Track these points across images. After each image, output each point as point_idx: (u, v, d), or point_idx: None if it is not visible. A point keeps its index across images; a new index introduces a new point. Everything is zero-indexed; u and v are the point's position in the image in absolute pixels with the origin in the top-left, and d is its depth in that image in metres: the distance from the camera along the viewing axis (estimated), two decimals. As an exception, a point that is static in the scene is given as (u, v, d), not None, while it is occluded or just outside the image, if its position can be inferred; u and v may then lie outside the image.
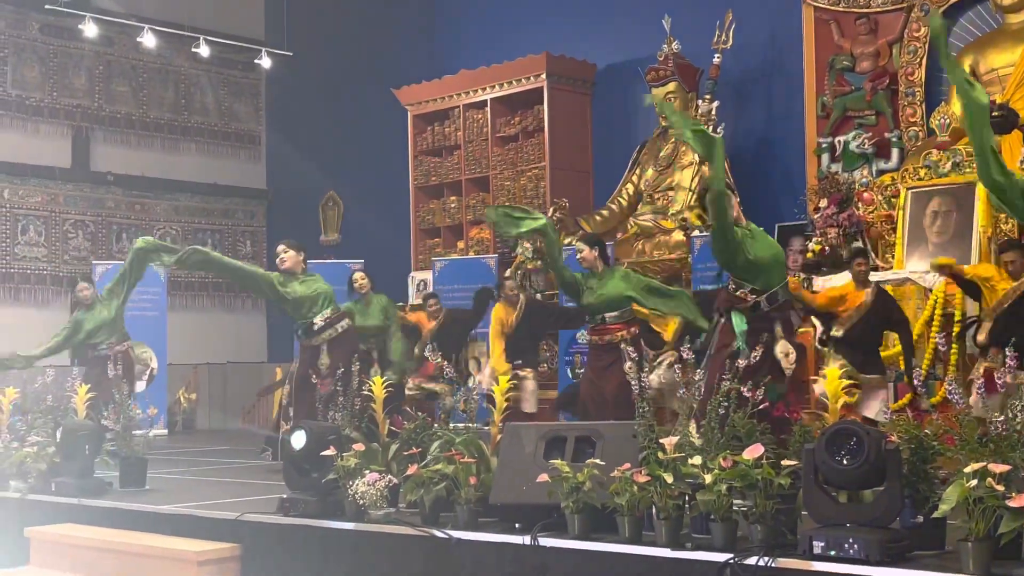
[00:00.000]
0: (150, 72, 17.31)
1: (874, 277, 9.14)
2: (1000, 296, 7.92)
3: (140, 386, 10.70)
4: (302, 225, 16.83)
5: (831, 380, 4.98)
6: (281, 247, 8.80)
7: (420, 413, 6.35)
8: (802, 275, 9.70)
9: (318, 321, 8.64)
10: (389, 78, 15.43)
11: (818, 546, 4.29)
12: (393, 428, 6.25)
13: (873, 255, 10.06)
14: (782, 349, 6.15)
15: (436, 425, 6.00)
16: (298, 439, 6.11)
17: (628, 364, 7.42)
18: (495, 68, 14.17)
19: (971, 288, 8.17)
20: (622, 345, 7.39)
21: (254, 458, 9.88)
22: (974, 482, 4.05)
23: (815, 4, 11.46)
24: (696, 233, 11.18)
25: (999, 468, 4.05)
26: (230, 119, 18.14)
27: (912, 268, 9.40)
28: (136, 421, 8.04)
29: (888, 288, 8.96)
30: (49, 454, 7.67)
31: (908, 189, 9.91)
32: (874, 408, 7.71)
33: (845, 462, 4.35)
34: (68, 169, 16.42)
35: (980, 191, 9.45)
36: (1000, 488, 3.99)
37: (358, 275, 9.93)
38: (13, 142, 15.86)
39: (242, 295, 17.96)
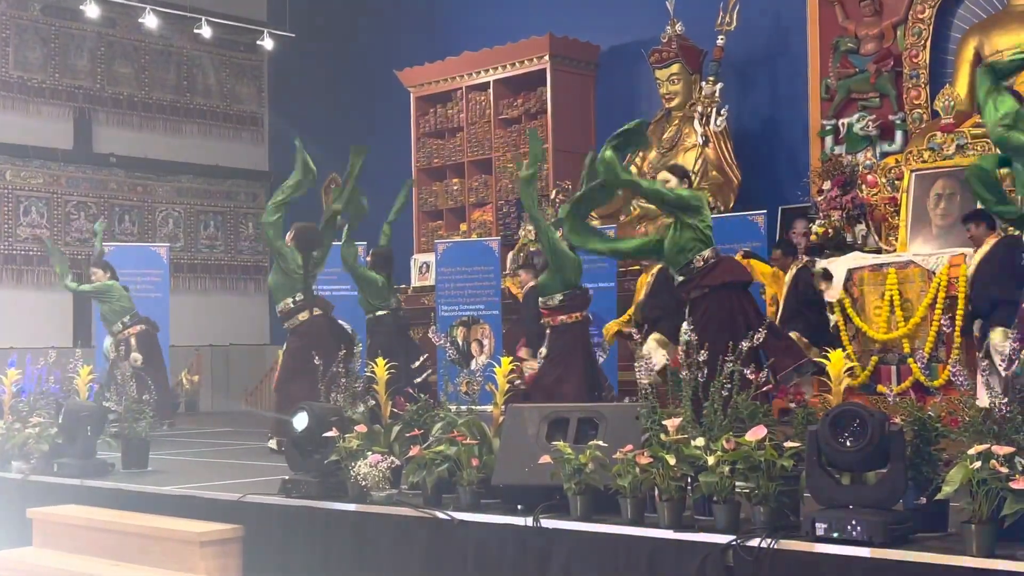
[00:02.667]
0: (152, 53, 17.27)
1: (876, 260, 9.14)
2: None
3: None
4: (304, 207, 16.70)
5: (835, 362, 4.97)
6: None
7: (423, 395, 6.35)
8: (806, 258, 9.67)
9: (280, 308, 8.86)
10: (391, 60, 15.39)
11: (821, 528, 4.29)
12: (395, 410, 6.25)
13: (876, 237, 10.05)
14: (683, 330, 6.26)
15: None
16: (300, 420, 6.11)
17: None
18: (498, 50, 14.12)
19: None
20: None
21: (257, 440, 9.89)
22: (978, 464, 4.04)
23: (819, -15, 11.43)
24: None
25: (1003, 450, 4.04)
26: (232, 101, 18.11)
27: (916, 251, 9.37)
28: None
29: (891, 270, 8.95)
30: (51, 435, 7.68)
31: (912, 171, 9.88)
32: None
33: (848, 444, 4.34)
34: (70, 151, 16.40)
35: (984, 173, 9.42)
36: (1004, 470, 3.98)
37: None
38: (15, 123, 15.84)
39: (244, 277, 17.96)
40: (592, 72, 14.11)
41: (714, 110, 12.07)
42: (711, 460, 4.62)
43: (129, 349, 10.84)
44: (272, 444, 8.76)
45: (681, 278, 7.00)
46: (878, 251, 9.73)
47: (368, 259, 10.45)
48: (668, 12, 12.65)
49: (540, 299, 8.08)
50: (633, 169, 12.96)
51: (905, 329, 8.68)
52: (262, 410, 12.62)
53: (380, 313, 9.99)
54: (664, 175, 7.52)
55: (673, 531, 4.67)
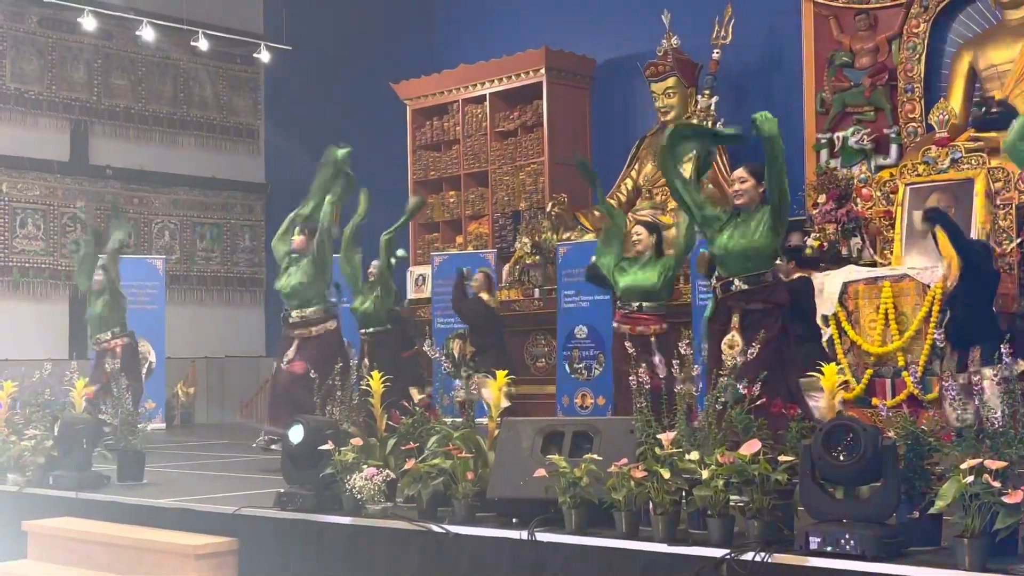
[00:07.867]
0: (149, 66, 17.28)
1: (871, 273, 9.13)
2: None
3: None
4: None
5: (828, 375, 4.98)
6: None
7: (418, 408, 6.35)
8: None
9: (294, 316, 8.78)
10: (388, 72, 15.43)
11: (814, 541, 4.30)
12: (391, 423, 6.26)
13: (871, 250, 10.07)
14: (727, 341, 6.09)
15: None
16: (295, 433, 6.12)
17: (658, 357, 7.21)
18: (494, 63, 14.16)
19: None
20: (652, 339, 7.41)
21: (252, 452, 9.88)
22: (970, 478, 4.05)
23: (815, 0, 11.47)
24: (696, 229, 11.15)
25: (995, 464, 4.05)
26: (229, 113, 18.12)
27: (911, 264, 9.39)
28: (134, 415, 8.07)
29: (886, 284, 8.97)
30: (47, 447, 7.67)
31: (907, 185, 9.91)
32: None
33: (842, 458, 4.35)
34: (67, 162, 16.39)
35: (978, 187, 9.45)
36: (996, 484, 3.99)
37: (374, 263, 10.14)
38: (12, 135, 15.84)
39: (240, 288, 17.94)
40: (588, 85, 14.15)
41: (709, 123, 12.10)
42: (705, 474, 4.63)
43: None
44: None
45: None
46: (873, 264, 9.75)
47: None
48: (664, 26, 12.70)
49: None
50: (628, 182, 13.02)
51: (900, 342, 8.69)
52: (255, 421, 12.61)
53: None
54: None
55: (667, 545, 4.67)
